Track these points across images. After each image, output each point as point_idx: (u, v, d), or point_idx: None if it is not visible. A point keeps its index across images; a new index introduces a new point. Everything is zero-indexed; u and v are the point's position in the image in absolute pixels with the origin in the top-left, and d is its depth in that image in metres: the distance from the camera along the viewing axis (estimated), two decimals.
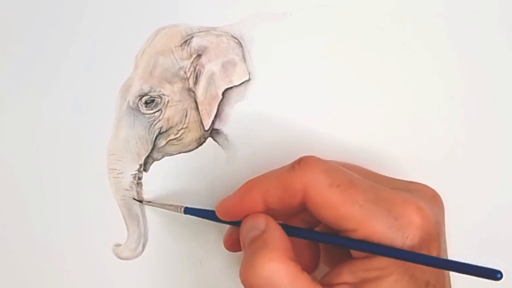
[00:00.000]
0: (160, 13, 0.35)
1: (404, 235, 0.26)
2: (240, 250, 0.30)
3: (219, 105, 0.35)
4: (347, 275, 0.27)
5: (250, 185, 0.29)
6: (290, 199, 0.28)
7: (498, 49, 0.36)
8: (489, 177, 0.36)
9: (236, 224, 0.30)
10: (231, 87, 0.35)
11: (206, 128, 0.35)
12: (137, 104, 0.35)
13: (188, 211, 0.33)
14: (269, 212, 0.29)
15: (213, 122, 0.35)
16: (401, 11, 0.36)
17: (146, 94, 0.35)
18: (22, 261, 0.36)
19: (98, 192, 0.35)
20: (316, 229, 0.31)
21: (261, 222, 0.29)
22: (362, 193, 0.27)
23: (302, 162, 0.28)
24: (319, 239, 0.29)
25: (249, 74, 0.35)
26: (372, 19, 0.35)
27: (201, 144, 0.36)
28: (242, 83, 0.35)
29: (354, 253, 0.28)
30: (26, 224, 0.36)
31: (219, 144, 0.36)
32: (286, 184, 0.28)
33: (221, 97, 0.35)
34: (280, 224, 0.29)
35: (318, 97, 0.35)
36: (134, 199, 0.35)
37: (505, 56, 0.36)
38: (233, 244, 0.32)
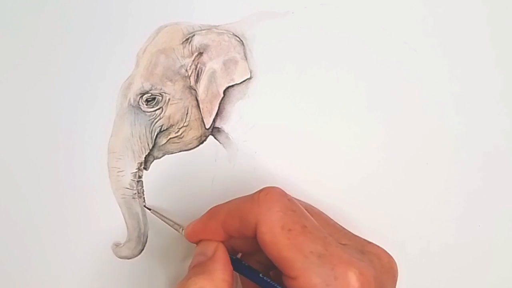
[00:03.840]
0: (162, 12, 0.35)
1: None
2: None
3: (220, 103, 0.35)
4: None
5: (213, 212, 0.30)
6: (246, 230, 0.28)
7: (502, 48, 0.36)
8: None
9: None
10: (232, 85, 0.35)
11: (207, 126, 0.35)
12: (138, 102, 0.35)
13: None
14: (231, 239, 0.30)
15: (214, 120, 0.35)
16: (403, 10, 0.36)
17: (147, 92, 0.35)
18: (21, 260, 0.35)
19: (98, 190, 0.35)
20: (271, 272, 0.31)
21: (210, 249, 0.29)
22: (311, 243, 0.27)
23: (262, 195, 0.28)
24: (256, 281, 0.29)
25: (251, 72, 0.35)
26: (374, 18, 0.35)
27: (202, 143, 0.35)
28: (244, 81, 0.35)
29: None
30: (26, 223, 0.35)
31: (220, 142, 0.35)
32: (242, 215, 0.28)
33: (222, 95, 0.35)
34: (231, 257, 0.29)
35: (319, 95, 0.35)
36: (145, 206, 0.35)
37: (508, 55, 0.36)
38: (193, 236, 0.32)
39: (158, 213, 0.34)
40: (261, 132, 0.35)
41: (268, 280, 0.29)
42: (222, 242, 0.30)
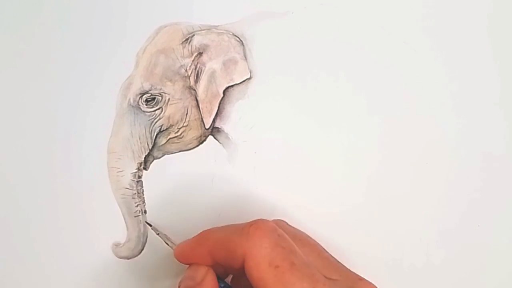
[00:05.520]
0: (161, 12, 0.35)
1: None
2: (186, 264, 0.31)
3: (220, 103, 0.35)
4: None
5: (203, 237, 0.30)
6: (233, 263, 0.28)
7: (502, 48, 0.36)
8: None
9: None
10: (232, 85, 0.35)
11: (207, 126, 0.35)
12: (138, 102, 0.35)
13: None
14: (218, 266, 0.29)
15: (214, 120, 0.35)
16: (403, 10, 0.36)
17: (147, 92, 0.35)
18: (21, 260, 0.35)
19: (98, 190, 0.35)
20: None
21: (199, 275, 0.29)
22: (297, 280, 0.26)
23: (252, 229, 0.28)
24: None
25: (250, 72, 0.35)
26: (373, 17, 0.35)
27: (201, 143, 0.35)
28: (243, 81, 0.35)
29: None
30: (25, 222, 0.35)
31: (219, 143, 0.35)
32: (230, 247, 0.28)
33: (222, 95, 0.35)
34: (220, 282, 0.29)
35: (319, 95, 0.35)
36: (146, 222, 0.35)
37: (508, 54, 0.36)
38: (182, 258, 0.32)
39: (157, 230, 0.34)
40: (260, 132, 0.35)
41: None
42: (212, 266, 0.30)
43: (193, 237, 0.30)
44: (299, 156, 0.35)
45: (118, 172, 0.35)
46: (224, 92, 0.35)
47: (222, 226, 0.30)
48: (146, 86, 0.35)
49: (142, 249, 0.35)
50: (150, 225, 0.35)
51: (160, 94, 0.35)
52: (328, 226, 0.34)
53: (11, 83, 0.36)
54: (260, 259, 0.27)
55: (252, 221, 0.28)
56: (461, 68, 0.36)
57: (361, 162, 0.35)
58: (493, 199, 0.35)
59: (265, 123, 0.35)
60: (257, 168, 0.35)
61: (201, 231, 0.30)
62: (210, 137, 0.35)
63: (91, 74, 0.35)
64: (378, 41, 0.35)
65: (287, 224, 0.32)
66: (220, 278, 0.30)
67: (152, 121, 0.35)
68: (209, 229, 0.30)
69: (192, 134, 0.35)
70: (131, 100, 0.35)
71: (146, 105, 0.35)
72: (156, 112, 0.35)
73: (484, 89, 0.36)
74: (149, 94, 0.35)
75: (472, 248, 0.35)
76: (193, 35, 0.35)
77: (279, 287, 0.26)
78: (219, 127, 0.35)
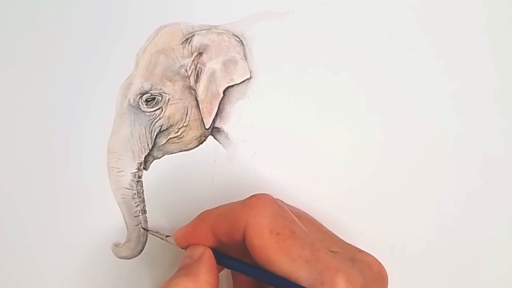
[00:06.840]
0: (161, 12, 0.35)
1: None
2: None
3: (220, 103, 0.35)
4: None
5: (203, 215, 0.30)
6: (235, 234, 0.28)
7: (501, 48, 0.36)
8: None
9: None
10: (232, 85, 0.35)
11: (207, 127, 0.35)
12: (138, 102, 0.35)
13: None
14: (220, 245, 0.30)
15: (214, 120, 0.35)
16: (403, 10, 0.36)
17: (147, 92, 0.35)
18: (20, 261, 0.35)
19: (98, 190, 0.35)
20: None
21: (197, 253, 0.30)
22: (299, 247, 0.27)
23: (253, 200, 0.28)
24: (247, 272, 0.29)
25: (250, 72, 0.35)
26: (373, 18, 0.35)
27: (201, 143, 0.36)
28: (243, 81, 0.35)
29: None
30: (25, 223, 0.35)
31: (219, 143, 0.35)
32: (232, 219, 0.28)
33: (222, 95, 0.35)
34: (218, 252, 0.30)
35: (318, 95, 0.35)
36: (142, 227, 0.35)
37: (508, 55, 0.36)
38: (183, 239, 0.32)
39: (157, 232, 0.34)
40: (260, 132, 0.35)
41: (255, 267, 0.29)
42: (211, 247, 0.30)
43: (192, 220, 0.31)
44: (299, 156, 0.35)
45: (118, 172, 0.35)
46: (224, 92, 0.35)
47: (221, 205, 0.30)
48: (146, 86, 0.35)
49: (142, 249, 0.35)
50: (147, 230, 0.35)
51: (160, 94, 0.35)
52: (327, 227, 0.34)
53: (11, 83, 0.35)
54: (261, 227, 0.27)
55: (252, 194, 0.29)
56: (461, 68, 0.36)
57: (361, 162, 0.35)
58: (493, 199, 0.35)
59: (265, 123, 0.35)
60: (257, 168, 0.35)
61: None
62: (210, 137, 0.35)
63: (91, 74, 0.35)
64: (378, 41, 0.35)
65: (284, 202, 0.32)
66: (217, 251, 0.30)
67: (152, 121, 0.35)
68: (208, 209, 0.30)
69: (192, 134, 0.35)
70: (131, 100, 0.35)
71: (146, 105, 0.35)
72: (156, 112, 0.35)
73: (484, 89, 0.36)
74: (149, 94, 0.35)
75: (472, 248, 0.35)
76: (193, 35, 0.35)
77: (280, 253, 0.27)
78: (219, 127, 0.35)
